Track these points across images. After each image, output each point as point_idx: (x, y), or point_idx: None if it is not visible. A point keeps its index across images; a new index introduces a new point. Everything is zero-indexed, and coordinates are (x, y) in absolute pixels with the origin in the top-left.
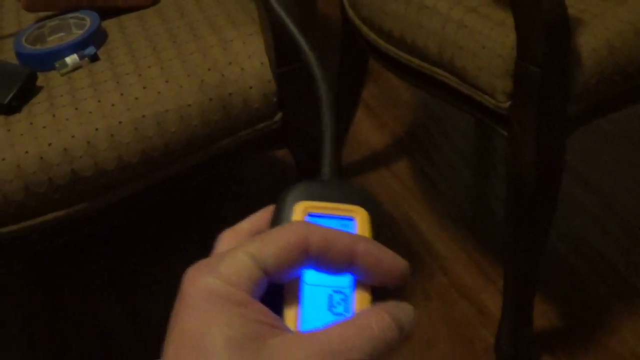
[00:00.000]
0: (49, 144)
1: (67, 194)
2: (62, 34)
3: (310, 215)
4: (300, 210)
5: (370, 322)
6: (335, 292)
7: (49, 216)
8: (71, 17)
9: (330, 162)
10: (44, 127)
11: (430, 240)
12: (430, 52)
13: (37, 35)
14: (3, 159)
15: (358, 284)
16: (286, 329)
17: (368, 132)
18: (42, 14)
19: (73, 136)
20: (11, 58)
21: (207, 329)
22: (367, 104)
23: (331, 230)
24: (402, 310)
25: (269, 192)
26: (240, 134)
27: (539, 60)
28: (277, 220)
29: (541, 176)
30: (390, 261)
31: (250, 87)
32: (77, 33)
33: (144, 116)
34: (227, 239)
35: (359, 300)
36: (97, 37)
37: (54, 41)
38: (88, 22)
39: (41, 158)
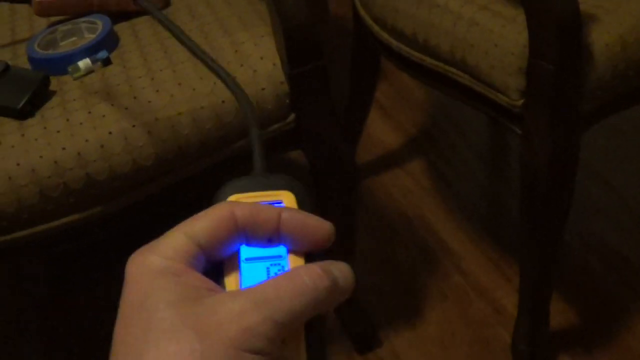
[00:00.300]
0: (63, 148)
1: (81, 198)
2: (74, 38)
3: None
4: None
5: (301, 273)
6: (273, 265)
7: (64, 220)
8: (83, 22)
9: (258, 158)
10: (58, 131)
11: (446, 240)
12: (443, 51)
13: (49, 40)
14: (17, 164)
15: (291, 254)
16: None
17: (382, 132)
18: (53, 19)
19: (87, 140)
20: (24, 63)
21: (148, 297)
22: (380, 104)
23: (256, 204)
24: (334, 265)
25: None
26: None
27: (552, 57)
28: None
29: (555, 174)
30: (315, 224)
31: (263, 89)
32: (89, 37)
33: (157, 119)
34: (214, 218)
35: (293, 266)
36: (109, 41)
37: (66, 46)
38: (100, 26)
39: (55, 162)
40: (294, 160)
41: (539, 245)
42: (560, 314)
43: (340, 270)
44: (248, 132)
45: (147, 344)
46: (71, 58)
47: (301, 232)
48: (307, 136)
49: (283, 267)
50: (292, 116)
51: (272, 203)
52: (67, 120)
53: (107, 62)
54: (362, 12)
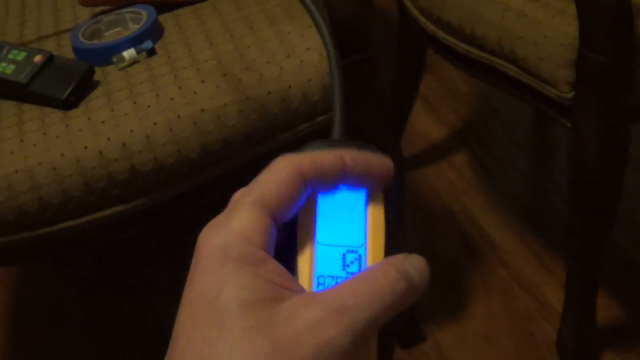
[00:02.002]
0: (108, 139)
1: (126, 189)
2: (118, 28)
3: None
4: None
5: (379, 276)
6: (349, 251)
7: (108, 211)
8: (127, 12)
9: (339, 121)
10: (103, 122)
11: (490, 233)
12: (490, 42)
13: (93, 30)
14: (62, 155)
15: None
16: (299, 289)
17: (426, 125)
18: (97, 9)
19: (132, 131)
20: (68, 53)
21: (222, 291)
22: (424, 97)
23: (315, 152)
24: (410, 262)
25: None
26: (299, 127)
27: (603, 49)
28: None
29: (605, 167)
30: (377, 161)
31: (309, 80)
32: (134, 28)
33: (202, 110)
34: (277, 175)
35: (372, 258)
36: (154, 32)
37: (110, 36)
38: (144, 16)
39: (100, 153)
40: None
41: (587, 239)
42: (605, 309)
43: (416, 267)
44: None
45: (218, 349)
46: (116, 48)
47: (364, 169)
48: (353, 128)
49: (360, 255)
50: None
51: (355, 188)
52: (112, 110)
53: (152, 52)
54: (407, 3)
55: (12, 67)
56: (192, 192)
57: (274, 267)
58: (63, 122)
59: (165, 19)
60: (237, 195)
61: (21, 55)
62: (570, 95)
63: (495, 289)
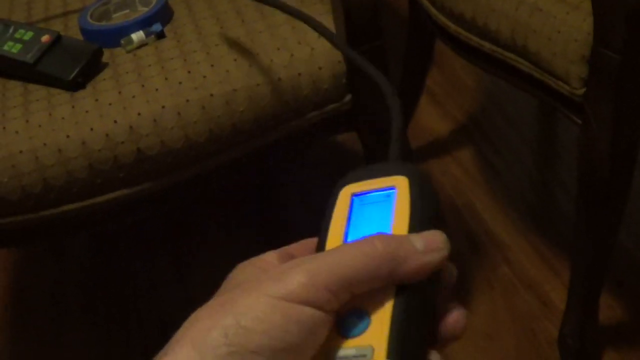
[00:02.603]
0: (115, 122)
1: (132, 172)
2: (126, 11)
3: (355, 195)
4: (345, 195)
5: (374, 239)
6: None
7: (113, 195)
8: None
9: (394, 145)
10: (110, 104)
11: (494, 230)
12: (503, 36)
13: (102, 12)
14: (68, 136)
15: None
16: None
17: (431, 119)
18: None
19: (139, 114)
20: (76, 34)
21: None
22: (430, 91)
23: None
24: (423, 234)
25: (331, 179)
26: (309, 115)
27: (617, 46)
28: (327, 210)
29: (615, 165)
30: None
31: (320, 68)
32: (143, 10)
33: (211, 95)
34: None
35: None
36: (163, 14)
37: (118, 18)
38: None
39: (107, 135)
40: (345, 143)
41: (593, 239)
42: (608, 309)
43: (424, 237)
44: (390, 113)
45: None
46: (125, 30)
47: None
48: (363, 117)
49: None
50: (348, 97)
51: (384, 190)
52: (120, 93)
53: (160, 35)
54: None
55: (18, 46)
56: (198, 178)
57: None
58: (69, 103)
59: (175, 1)
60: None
61: (28, 35)
62: (582, 91)
63: (498, 286)
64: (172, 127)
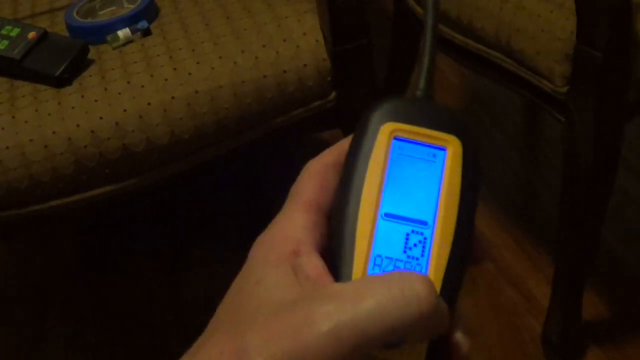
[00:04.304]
0: (101, 118)
1: (117, 168)
2: (113, 7)
3: (397, 139)
4: (386, 133)
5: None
6: (414, 232)
7: (99, 191)
8: None
9: (426, 76)
10: (96, 100)
11: (478, 227)
12: (487, 34)
13: (88, 9)
14: (54, 132)
15: (438, 226)
16: (330, 283)
17: None
18: None
19: (125, 110)
20: (62, 31)
21: (259, 284)
22: (411, 90)
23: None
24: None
25: None
26: (294, 112)
27: (600, 44)
28: (359, 143)
29: (598, 162)
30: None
31: (305, 65)
32: (129, 7)
33: (197, 92)
34: (311, 175)
35: (438, 243)
36: (150, 12)
37: (105, 15)
38: None
39: (92, 132)
40: (331, 140)
41: (577, 235)
42: (591, 306)
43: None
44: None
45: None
46: (111, 27)
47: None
48: (348, 115)
49: (425, 238)
50: (333, 94)
51: (433, 147)
52: (105, 89)
53: (147, 32)
54: None
55: (5, 42)
56: (184, 174)
57: (310, 261)
58: (56, 99)
59: None
60: (310, 170)
61: (15, 31)
62: (565, 89)
63: (482, 282)
64: (157, 124)
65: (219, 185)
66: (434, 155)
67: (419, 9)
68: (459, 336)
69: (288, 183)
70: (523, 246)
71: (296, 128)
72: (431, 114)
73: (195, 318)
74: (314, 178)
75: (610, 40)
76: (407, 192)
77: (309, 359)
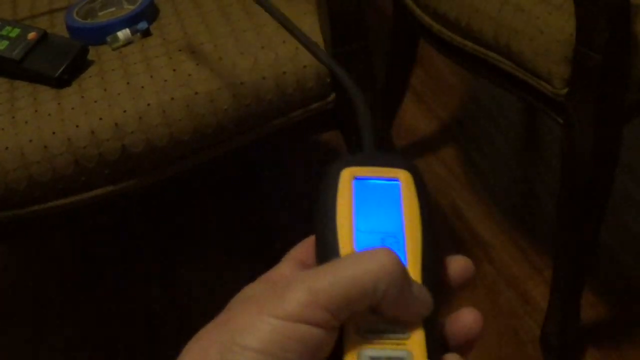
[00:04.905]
0: (100, 119)
1: (117, 169)
2: (112, 9)
3: (357, 178)
4: (347, 176)
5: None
6: (388, 236)
7: (98, 191)
8: None
9: (369, 137)
10: (95, 101)
11: (477, 228)
12: (486, 36)
13: (88, 10)
14: (53, 133)
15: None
16: None
17: (415, 118)
18: None
19: (125, 111)
20: (62, 32)
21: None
22: (414, 90)
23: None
24: None
25: (314, 177)
26: (293, 113)
27: (599, 46)
28: (324, 190)
29: (597, 164)
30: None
31: (304, 67)
32: (129, 8)
33: (196, 93)
34: (296, 247)
35: (410, 245)
36: (149, 13)
37: (104, 16)
38: None
39: (92, 132)
40: (330, 142)
41: (575, 237)
42: (590, 307)
43: (420, 288)
44: (353, 106)
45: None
46: (111, 28)
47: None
48: (347, 116)
49: (399, 240)
50: (332, 96)
51: (389, 180)
52: (105, 90)
53: (146, 33)
54: None
55: (5, 43)
56: (183, 175)
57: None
58: (55, 100)
59: (161, 0)
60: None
61: (15, 32)
62: (564, 91)
63: (481, 284)
64: (157, 125)
65: (218, 187)
66: (390, 186)
67: (418, 11)
68: (466, 312)
69: (286, 184)
70: (522, 248)
71: (295, 129)
72: (380, 158)
73: (193, 319)
74: (301, 247)
75: (610, 42)
76: (375, 214)
77: (289, 311)
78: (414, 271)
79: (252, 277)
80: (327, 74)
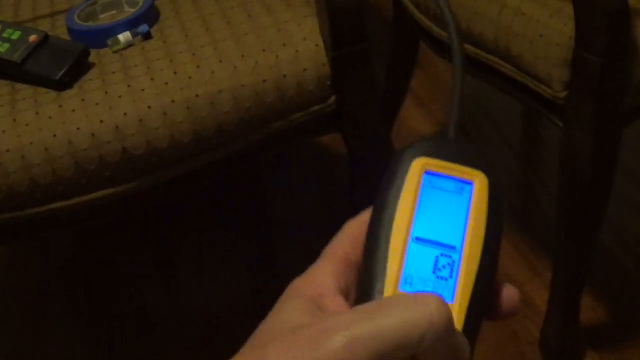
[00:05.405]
0: (101, 121)
1: (117, 172)
2: (113, 11)
3: (428, 173)
4: (418, 167)
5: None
6: (443, 255)
7: (99, 194)
8: None
9: (456, 121)
10: (96, 104)
11: None
12: (486, 40)
13: (89, 13)
14: (54, 135)
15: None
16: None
17: (415, 121)
18: None
19: (125, 114)
20: (63, 35)
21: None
22: (415, 93)
23: None
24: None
25: (316, 182)
26: (294, 116)
27: (599, 50)
28: (393, 175)
29: (597, 167)
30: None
31: (305, 70)
32: (130, 11)
33: (197, 96)
34: (347, 233)
35: (466, 266)
36: (150, 16)
37: (105, 19)
38: (141, 0)
39: (93, 135)
40: (331, 145)
41: (575, 240)
42: (589, 310)
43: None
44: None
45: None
46: (112, 31)
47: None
48: (347, 119)
49: (454, 262)
50: (333, 98)
51: (461, 181)
52: (106, 93)
53: (147, 36)
54: None
55: (6, 45)
56: (184, 178)
57: (334, 301)
58: (56, 102)
59: (162, 3)
60: (350, 228)
61: (16, 35)
62: (564, 95)
63: None
64: (157, 127)
65: (219, 190)
66: (462, 189)
67: (418, 14)
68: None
69: (287, 185)
70: (522, 250)
71: (296, 132)
72: (460, 152)
73: (193, 319)
74: (349, 236)
75: (609, 46)
76: (436, 220)
77: None
78: (461, 299)
79: (252, 278)
80: (327, 77)
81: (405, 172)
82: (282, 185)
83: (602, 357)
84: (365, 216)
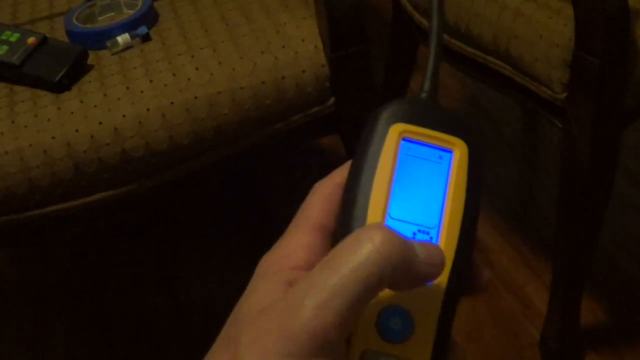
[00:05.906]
0: (100, 123)
1: (116, 174)
2: (112, 13)
3: (405, 140)
4: (395, 133)
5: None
6: (420, 231)
7: (98, 196)
8: None
9: (431, 76)
10: (95, 106)
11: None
12: (485, 41)
13: (87, 14)
14: (53, 137)
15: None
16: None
17: None
18: None
19: (124, 116)
20: (61, 37)
21: (246, 299)
22: (413, 93)
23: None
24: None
25: (316, 180)
26: (293, 118)
27: (598, 51)
28: (368, 141)
29: (596, 168)
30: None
31: (304, 71)
32: (128, 13)
33: (196, 97)
34: (318, 196)
35: (444, 243)
36: (149, 17)
37: (104, 21)
38: (139, 2)
39: (91, 137)
40: (329, 146)
41: (575, 241)
42: (589, 312)
43: (426, 248)
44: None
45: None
46: (110, 33)
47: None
48: (346, 120)
49: (431, 238)
50: (332, 100)
51: (440, 149)
52: (105, 95)
53: (146, 38)
54: None
55: (5, 47)
56: (182, 179)
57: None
58: (55, 104)
59: (161, 5)
60: (319, 190)
61: (15, 36)
62: (563, 95)
63: None
64: (156, 129)
65: (218, 191)
66: (441, 157)
67: (417, 15)
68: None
69: (286, 186)
70: (521, 252)
71: (295, 134)
72: (438, 117)
73: (193, 319)
74: (321, 199)
75: (608, 47)
76: (414, 197)
77: (299, 345)
78: (442, 276)
79: (251, 277)
80: (326, 79)
81: (383, 138)
82: (282, 185)
83: (602, 359)
84: (336, 176)
